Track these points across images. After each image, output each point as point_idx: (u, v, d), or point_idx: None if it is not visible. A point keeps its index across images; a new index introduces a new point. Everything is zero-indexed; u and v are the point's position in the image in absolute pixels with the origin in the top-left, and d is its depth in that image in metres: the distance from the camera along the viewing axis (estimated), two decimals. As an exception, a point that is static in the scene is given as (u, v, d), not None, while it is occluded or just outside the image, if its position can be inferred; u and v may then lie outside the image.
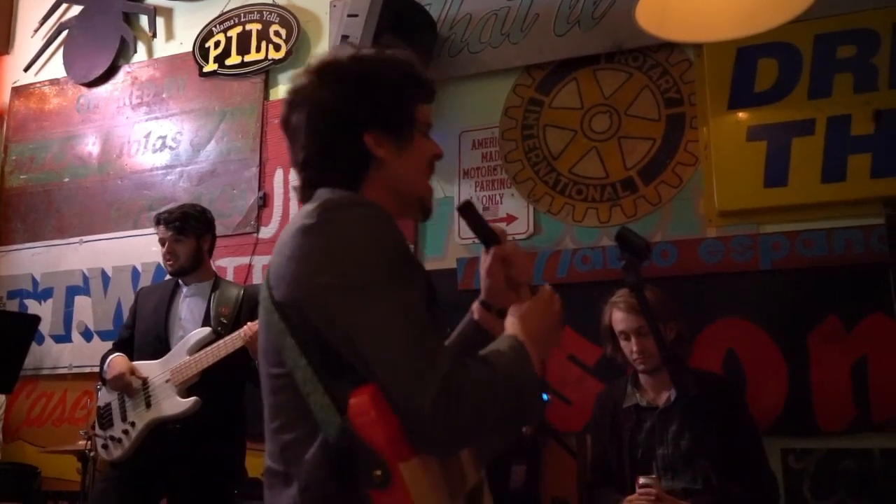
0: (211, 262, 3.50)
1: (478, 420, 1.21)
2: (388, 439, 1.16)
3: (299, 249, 1.27)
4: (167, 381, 3.15)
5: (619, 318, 2.83)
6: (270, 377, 1.33)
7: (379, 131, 1.41)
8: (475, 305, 1.59)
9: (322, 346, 1.24)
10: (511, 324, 1.41)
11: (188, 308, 3.34)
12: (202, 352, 3.13)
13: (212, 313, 3.28)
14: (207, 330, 3.20)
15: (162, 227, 3.33)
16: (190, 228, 3.33)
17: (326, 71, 1.45)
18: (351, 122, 1.41)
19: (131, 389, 3.19)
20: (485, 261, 1.52)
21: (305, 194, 1.46)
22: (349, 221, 1.27)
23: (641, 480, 2.56)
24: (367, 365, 1.20)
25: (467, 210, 1.49)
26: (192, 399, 3.11)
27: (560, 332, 1.46)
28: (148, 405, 3.17)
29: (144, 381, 3.20)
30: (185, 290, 3.38)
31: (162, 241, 3.34)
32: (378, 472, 1.14)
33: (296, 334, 1.26)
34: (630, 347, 2.81)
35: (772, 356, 3.21)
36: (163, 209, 3.44)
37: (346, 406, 1.19)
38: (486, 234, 1.51)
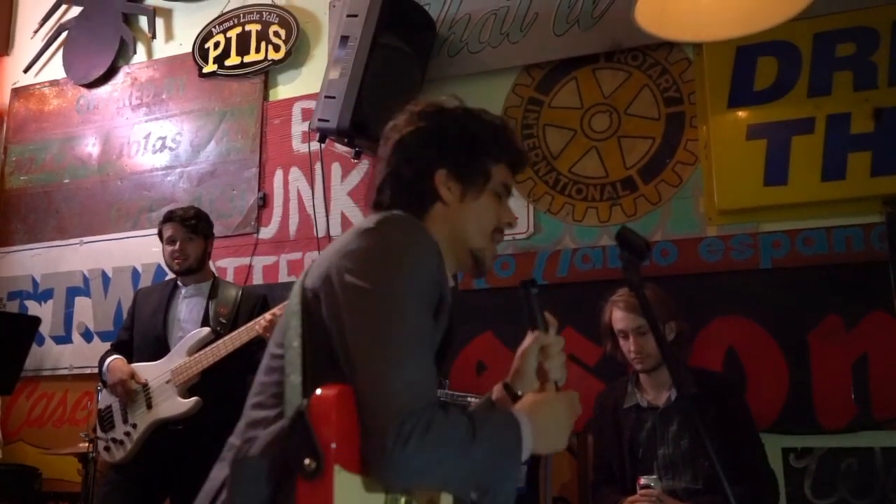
0: (210, 263, 3.51)
1: (432, 466, 1.18)
2: (334, 440, 1.14)
3: (346, 247, 1.31)
4: (168, 382, 3.15)
5: (618, 316, 2.83)
6: (270, 356, 1.36)
7: (448, 172, 1.49)
8: (497, 386, 1.57)
9: (323, 335, 1.26)
10: (525, 404, 1.40)
11: (187, 308, 3.34)
12: (202, 352, 3.14)
13: (211, 313, 3.28)
14: (207, 330, 3.20)
15: (176, 225, 3.34)
16: (201, 229, 3.37)
17: (421, 111, 1.54)
18: (424, 157, 1.49)
19: (132, 394, 3.19)
20: (525, 342, 1.52)
21: (373, 208, 1.53)
22: (401, 236, 1.32)
23: (642, 481, 2.56)
24: (352, 367, 1.20)
25: (527, 288, 1.49)
26: (194, 399, 3.11)
27: (566, 437, 1.43)
28: (149, 406, 3.17)
29: (145, 385, 3.20)
30: (183, 290, 3.38)
31: (172, 240, 3.35)
32: (312, 463, 1.12)
33: (303, 317, 1.30)
34: (628, 347, 2.81)
35: (772, 355, 3.21)
36: (175, 207, 3.46)
37: (311, 392, 1.18)
38: (537, 317, 1.50)
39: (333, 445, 1.13)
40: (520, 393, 1.50)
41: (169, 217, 3.39)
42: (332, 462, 1.12)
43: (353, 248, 1.30)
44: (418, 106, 1.55)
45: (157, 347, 3.26)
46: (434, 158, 1.49)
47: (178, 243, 3.33)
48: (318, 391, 1.17)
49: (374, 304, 1.23)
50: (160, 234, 3.42)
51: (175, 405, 3.13)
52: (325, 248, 1.40)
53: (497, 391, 1.56)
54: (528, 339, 1.51)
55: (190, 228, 3.33)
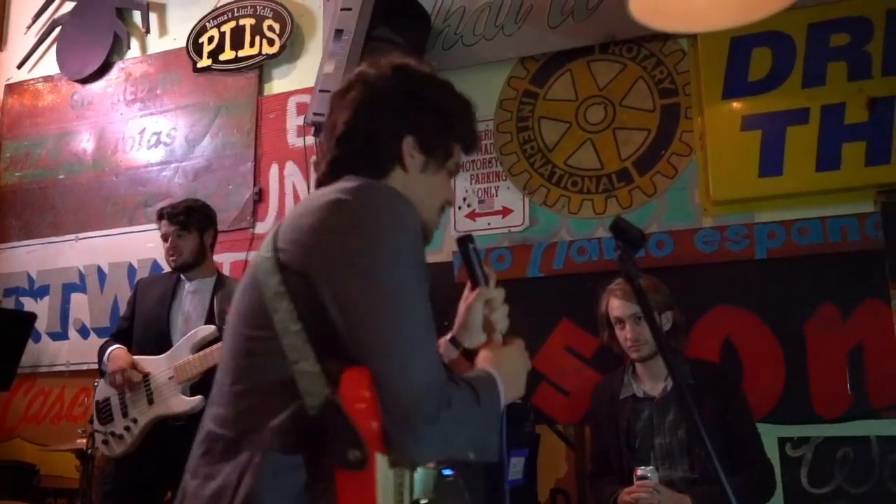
0: (213, 256, 3.49)
1: (452, 437, 1.23)
2: (376, 423, 1.14)
3: (326, 221, 1.27)
4: (170, 379, 3.14)
5: (615, 305, 2.84)
6: (246, 339, 1.30)
7: (416, 140, 1.46)
8: (443, 340, 1.59)
9: (322, 317, 1.22)
10: (485, 360, 1.43)
11: (191, 304, 3.32)
12: (206, 350, 3.12)
13: (216, 311, 3.26)
14: (212, 328, 3.19)
15: (165, 223, 3.32)
16: (193, 223, 3.33)
17: (401, 69, 1.51)
18: (398, 119, 1.46)
19: (131, 384, 3.18)
20: (467, 297, 1.55)
21: (328, 171, 1.46)
22: (383, 206, 1.29)
23: (639, 471, 2.57)
24: (364, 346, 1.19)
25: (465, 245, 1.51)
26: (198, 398, 3.10)
27: (524, 384, 1.48)
28: (150, 401, 3.17)
29: (146, 377, 3.19)
30: (187, 285, 3.37)
31: (164, 237, 3.34)
32: (357, 453, 1.12)
33: (295, 299, 1.24)
34: (624, 335, 2.82)
35: (768, 344, 3.22)
36: (165, 204, 3.43)
37: (336, 379, 1.17)
38: (477, 273, 1.52)
39: (375, 426, 1.14)
40: (465, 345, 1.56)
41: (159, 215, 3.37)
42: (374, 450, 1.13)
43: (338, 222, 1.26)
44: (392, 63, 1.51)
45: (159, 341, 3.25)
46: (406, 123, 1.46)
47: (169, 240, 3.32)
48: (346, 375, 1.15)
49: (383, 289, 1.22)
50: None
51: (178, 403, 3.12)
52: (293, 214, 1.33)
53: (443, 346, 1.59)
54: (472, 293, 1.53)
55: (179, 225, 3.30)
